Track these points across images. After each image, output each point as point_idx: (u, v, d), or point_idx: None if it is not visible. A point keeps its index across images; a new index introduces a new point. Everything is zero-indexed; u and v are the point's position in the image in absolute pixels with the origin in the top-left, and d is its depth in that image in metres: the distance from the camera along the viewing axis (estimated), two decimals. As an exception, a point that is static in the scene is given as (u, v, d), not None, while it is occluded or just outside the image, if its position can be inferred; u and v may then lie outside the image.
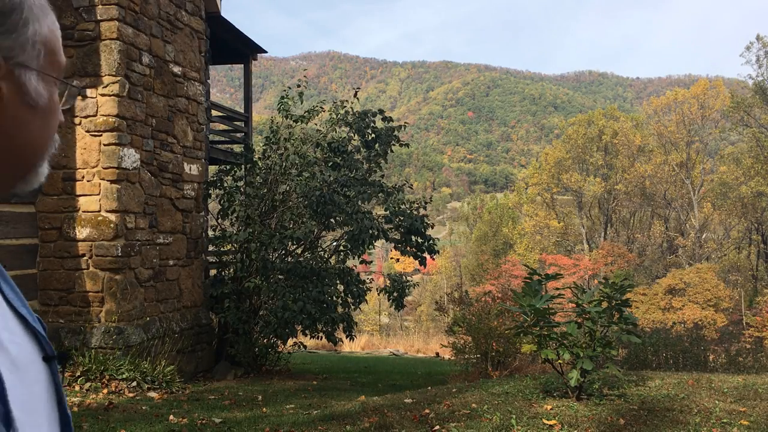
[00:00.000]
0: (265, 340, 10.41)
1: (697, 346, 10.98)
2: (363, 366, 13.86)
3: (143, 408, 6.79)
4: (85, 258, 8.48)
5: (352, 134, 11.35)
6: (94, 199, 8.47)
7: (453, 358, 11.21)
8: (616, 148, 43.77)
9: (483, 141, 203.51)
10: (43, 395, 0.86)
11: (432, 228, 11.48)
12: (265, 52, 13.19)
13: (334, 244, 11.47)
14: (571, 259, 37.81)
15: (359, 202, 10.70)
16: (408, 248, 11.01)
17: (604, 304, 6.22)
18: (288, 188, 10.96)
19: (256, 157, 11.60)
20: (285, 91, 11.87)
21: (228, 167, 11.36)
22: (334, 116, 11.53)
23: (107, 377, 7.72)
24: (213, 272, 11.18)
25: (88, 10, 8.47)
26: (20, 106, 0.81)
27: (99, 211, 8.46)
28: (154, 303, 9.13)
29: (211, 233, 11.24)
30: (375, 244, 11.05)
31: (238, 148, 12.74)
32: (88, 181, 8.49)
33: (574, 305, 6.42)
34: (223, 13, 11.26)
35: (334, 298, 10.38)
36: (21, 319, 0.88)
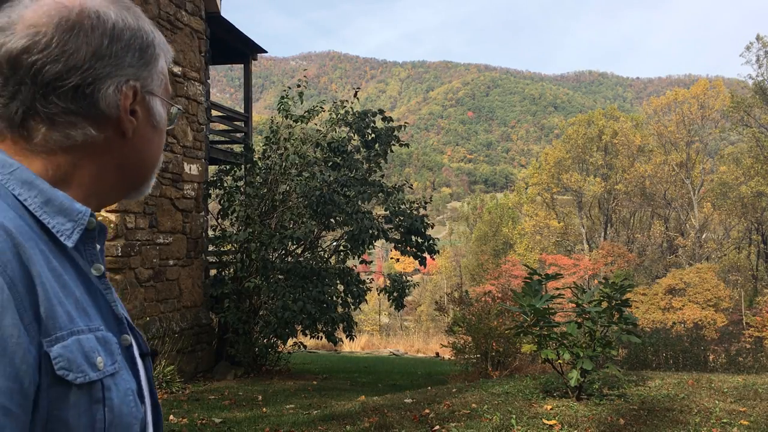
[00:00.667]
0: (265, 340, 10.41)
1: (697, 346, 10.99)
2: (363, 366, 13.86)
3: (143, 408, 6.77)
4: (85, 258, 8.46)
5: (352, 134, 11.35)
6: (94, 199, 8.45)
7: (453, 358, 11.21)
8: (616, 148, 43.77)
9: (483, 141, 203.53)
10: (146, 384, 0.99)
11: (432, 228, 11.48)
12: (265, 52, 13.20)
13: (334, 244, 11.47)
14: (571, 259, 37.82)
15: (359, 202, 10.69)
16: (408, 248, 11.01)
17: (604, 304, 6.22)
18: (288, 188, 10.96)
19: (256, 157, 11.60)
20: (285, 91, 11.87)
21: (228, 167, 11.36)
22: (334, 116, 11.52)
23: (107, 377, 7.71)
24: (213, 272, 11.18)
25: (88, 10, 8.46)
26: (147, 127, 0.95)
27: (99, 211, 8.45)
28: (154, 303, 9.13)
29: (211, 233, 11.24)
30: (375, 244, 11.05)
31: (238, 148, 12.73)
32: (88, 181, 8.47)
33: (574, 305, 6.42)
34: (223, 13, 11.27)
35: (334, 298, 10.37)
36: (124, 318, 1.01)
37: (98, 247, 0.97)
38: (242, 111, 12.92)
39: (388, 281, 11.21)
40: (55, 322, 0.77)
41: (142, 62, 0.93)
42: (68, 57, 0.85)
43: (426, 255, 11.10)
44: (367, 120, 11.19)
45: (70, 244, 0.84)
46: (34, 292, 0.76)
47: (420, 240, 11.00)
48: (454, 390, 7.21)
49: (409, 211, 10.95)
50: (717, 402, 6.04)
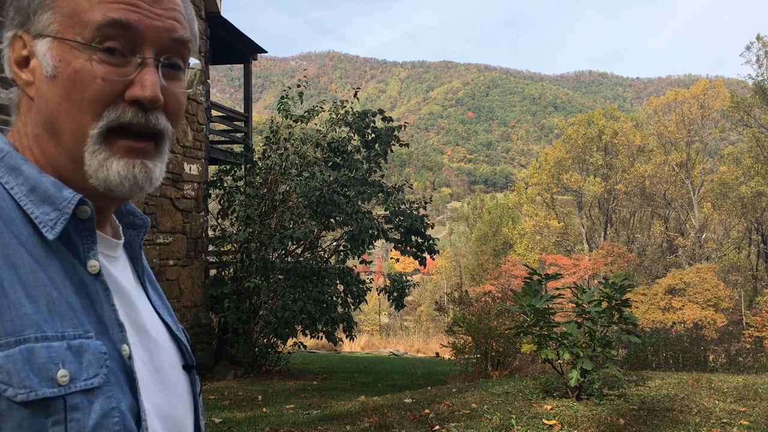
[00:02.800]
0: (265, 340, 10.41)
1: (697, 346, 10.99)
2: (363, 366, 13.86)
3: (143, 408, 6.78)
4: (85, 258, 8.46)
5: (352, 134, 11.35)
6: (94, 199, 8.46)
7: (453, 358, 11.20)
8: (616, 148, 43.78)
9: (483, 141, 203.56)
10: (181, 402, 0.88)
11: (432, 228, 11.48)
12: (265, 52, 13.20)
13: (334, 244, 11.47)
14: (571, 259, 37.82)
15: (359, 202, 10.69)
16: (408, 248, 11.01)
17: (604, 304, 6.22)
18: (288, 188, 10.96)
19: (256, 157, 11.60)
20: (285, 91, 11.87)
21: (228, 167, 11.36)
22: (334, 116, 11.53)
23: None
24: (213, 272, 11.18)
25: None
26: (42, 79, 0.78)
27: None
28: (154, 303, 9.12)
29: (211, 233, 11.24)
30: (375, 244, 11.05)
31: (238, 148, 12.73)
32: (88, 181, 8.48)
33: (574, 305, 6.42)
34: (223, 13, 11.26)
35: (334, 298, 10.38)
36: (165, 325, 0.91)
37: (138, 242, 0.90)
38: (242, 111, 12.92)
39: (388, 281, 11.21)
40: (0, 327, 0.67)
41: (27, 7, 0.79)
42: None
43: (426, 255, 11.10)
44: (367, 120, 11.19)
45: (51, 236, 0.74)
46: None
47: (420, 240, 11.00)
48: (454, 390, 7.21)
49: (409, 211, 10.95)
50: (717, 402, 6.04)
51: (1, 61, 0.83)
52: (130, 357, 0.77)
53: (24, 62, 0.80)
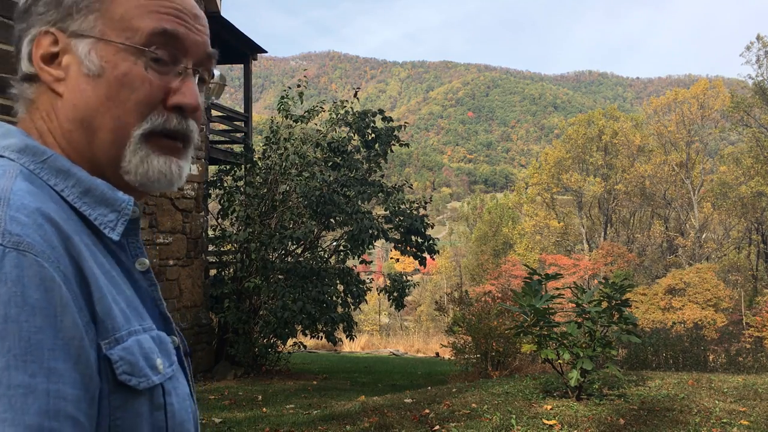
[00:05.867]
0: (264, 340, 10.41)
1: (697, 346, 10.99)
2: (363, 366, 13.86)
3: (143, 408, 6.77)
4: (85, 258, 8.46)
5: (352, 134, 11.35)
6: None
7: (453, 358, 11.21)
8: (616, 148, 43.78)
9: (483, 141, 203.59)
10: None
11: (432, 228, 11.48)
12: (265, 52, 13.19)
13: (334, 244, 11.47)
14: (571, 259, 37.82)
15: (359, 202, 10.69)
16: (408, 248, 11.01)
17: (604, 304, 6.22)
18: (288, 188, 10.96)
19: (256, 157, 11.60)
20: (285, 91, 11.87)
21: (228, 167, 11.36)
22: (334, 116, 11.53)
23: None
24: (213, 272, 11.18)
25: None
26: (80, 77, 0.79)
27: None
28: (154, 303, 9.13)
29: (211, 233, 11.24)
30: (375, 244, 11.05)
31: (238, 148, 12.73)
32: (88, 181, 8.48)
33: (574, 305, 6.42)
34: (223, 13, 11.27)
35: (334, 298, 10.38)
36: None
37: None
38: (242, 111, 12.92)
39: (388, 281, 11.21)
40: (113, 322, 0.71)
41: (70, 6, 0.80)
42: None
43: (426, 255, 11.10)
44: (367, 120, 11.19)
45: (115, 237, 0.77)
46: (88, 289, 0.70)
47: (420, 240, 11.00)
48: (454, 390, 7.21)
49: (409, 211, 10.95)
50: (717, 402, 6.04)
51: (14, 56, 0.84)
52: (177, 347, 0.83)
53: (51, 59, 0.81)
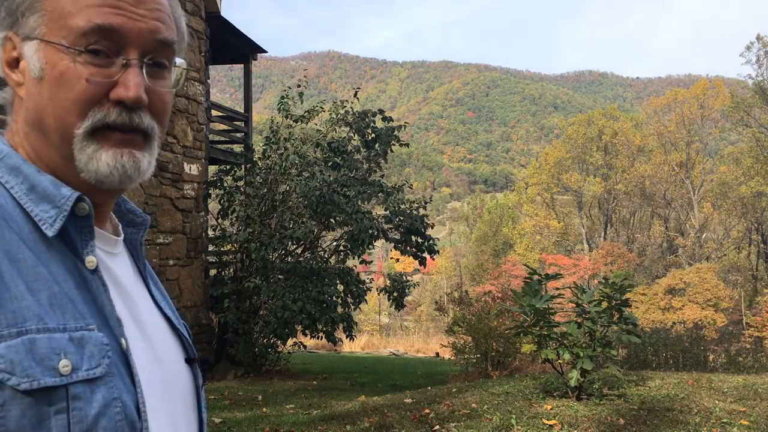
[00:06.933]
0: (265, 340, 10.41)
1: (697, 346, 10.99)
2: (363, 366, 13.85)
3: (143, 408, 6.77)
4: (85, 258, 8.46)
5: (352, 134, 11.35)
6: (94, 199, 8.45)
7: (453, 358, 11.20)
8: (616, 148, 43.77)
9: (483, 141, 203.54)
10: (183, 395, 0.90)
11: (432, 228, 11.48)
12: (265, 51, 13.20)
13: (334, 244, 11.47)
14: (571, 259, 37.82)
15: (359, 202, 10.69)
16: (408, 248, 11.01)
17: (604, 304, 6.21)
18: (288, 188, 10.96)
19: (256, 157, 11.61)
20: (285, 91, 11.88)
21: (228, 167, 11.36)
22: (334, 116, 11.53)
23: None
24: (213, 272, 11.18)
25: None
26: (30, 80, 0.81)
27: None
28: (154, 303, 9.12)
29: (211, 233, 11.24)
30: (375, 244, 11.05)
31: (238, 148, 12.74)
32: (88, 181, 8.47)
33: (574, 305, 6.41)
34: (223, 13, 11.27)
35: (334, 298, 10.38)
36: (166, 319, 0.93)
37: (139, 239, 0.92)
38: (242, 111, 12.92)
39: (388, 281, 11.21)
40: (4, 318, 0.70)
41: (16, 9, 0.81)
42: None
43: (426, 255, 11.10)
44: (367, 120, 11.20)
45: (50, 233, 0.77)
46: None
47: (420, 240, 11.00)
48: (454, 390, 7.21)
49: (409, 211, 10.95)
50: (717, 402, 6.04)
51: None
52: (127, 350, 0.79)
53: (15, 63, 0.83)
